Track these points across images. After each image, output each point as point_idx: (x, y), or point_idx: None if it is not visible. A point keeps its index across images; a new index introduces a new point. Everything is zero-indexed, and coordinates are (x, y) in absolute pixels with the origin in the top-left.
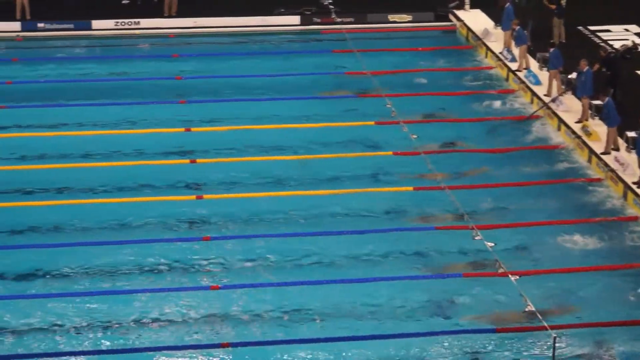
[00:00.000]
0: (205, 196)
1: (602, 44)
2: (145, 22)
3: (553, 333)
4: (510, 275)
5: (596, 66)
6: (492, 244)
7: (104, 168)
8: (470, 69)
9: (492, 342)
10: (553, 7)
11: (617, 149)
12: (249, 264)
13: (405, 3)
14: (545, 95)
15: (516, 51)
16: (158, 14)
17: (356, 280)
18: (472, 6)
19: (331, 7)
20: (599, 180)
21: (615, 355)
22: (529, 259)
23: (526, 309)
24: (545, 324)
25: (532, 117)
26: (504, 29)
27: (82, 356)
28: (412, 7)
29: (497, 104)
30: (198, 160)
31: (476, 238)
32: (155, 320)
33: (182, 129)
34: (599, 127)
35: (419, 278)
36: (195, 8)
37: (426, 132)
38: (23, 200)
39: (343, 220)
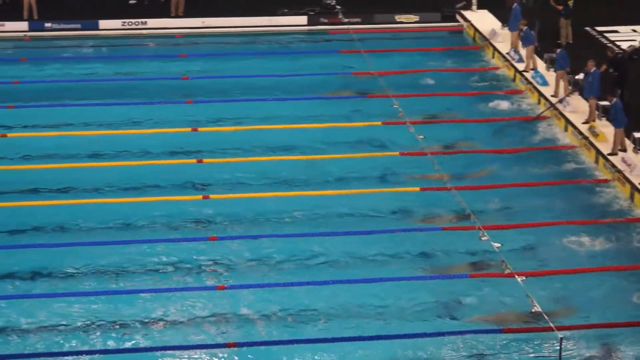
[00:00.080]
0: (212, 196)
1: (610, 45)
2: (152, 22)
3: (560, 334)
4: (516, 276)
5: (603, 67)
6: (499, 245)
7: (110, 168)
8: (477, 70)
9: (499, 342)
10: (560, 7)
11: (624, 150)
12: (255, 264)
13: (412, 3)
14: (552, 96)
15: (523, 52)
16: (165, 14)
17: (362, 280)
18: (479, 7)
19: (335, 7)
20: (606, 181)
21: (622, 357)
22: (536, 260)
23: (533, 310)
24: (552, 325)
25: (539, 118)
26: (511, 30)
27: (87, 356)
28: (419, 8)
29: (504, 104)
30: (204, 160)
31: (482, 239)
32: (160, 320)
33: (189, 129)
34: (606, 128)
35: (426, 278)
36: (202, 8)
37: (433, 132)
38: (28, 200)
39: (349, 220)
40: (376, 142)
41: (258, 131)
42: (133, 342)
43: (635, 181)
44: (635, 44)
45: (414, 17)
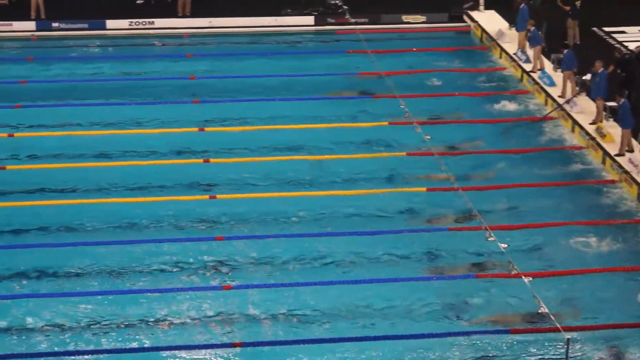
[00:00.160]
0: (218, 196)
1: (617, 45)
2: (159, 22)
3: (567, 335)
4: (523, 277)
5: (611, 67)
6: (506, 245)
7: (116, 168)
8: (484, 70)
9: (505, 343)
10: (567, 8)
11: (631, 151)
12: (261, 264)
13: (419, 4)
14: (559, 96)
15: (530, 52)
16: (172, 14)
17: (369, 281)
18: (487, 7)
19: (339, 7)
20: (613, 182)
21: (630, 358)
22: (543, 261)
23: (539, 311)
24: (559, 326)
25: (546, 119)
26: (518, 30)
27: (92, 355)
28: (426, 8)
29: (511, 105)
30: (211, 160)
31: (489, 239)
32: (166, 319)
33: (196, 129)
34: (613, 129)
35: (432, 279)
36: (209, 8)
37: (439, 132)
38: (34, 200)
39: (356, 220)
40: (383, 142)
41: (264, 131)
42: (138, 341)
43: None
44: None
45: (421, 18)
